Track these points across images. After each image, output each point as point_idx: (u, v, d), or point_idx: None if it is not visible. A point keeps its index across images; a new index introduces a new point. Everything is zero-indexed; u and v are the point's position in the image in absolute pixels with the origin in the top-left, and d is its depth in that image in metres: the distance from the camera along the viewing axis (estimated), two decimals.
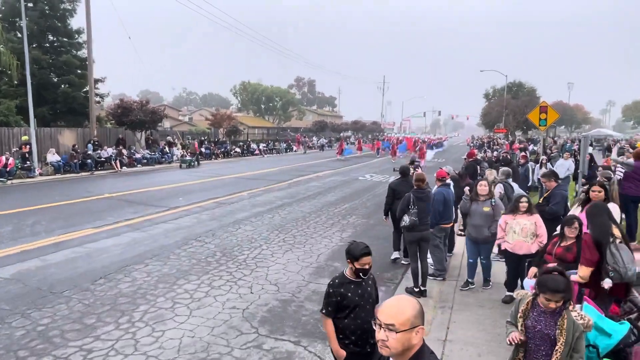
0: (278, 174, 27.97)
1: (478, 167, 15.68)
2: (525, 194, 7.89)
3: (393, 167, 18.39)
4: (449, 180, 9.66)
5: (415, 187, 8.39)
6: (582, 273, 5.78)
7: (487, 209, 8.15)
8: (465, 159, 17.49)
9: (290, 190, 20.73)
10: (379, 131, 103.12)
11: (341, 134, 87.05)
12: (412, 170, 10.90)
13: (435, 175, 9.60)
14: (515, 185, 10.80)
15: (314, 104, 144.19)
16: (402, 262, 10.23)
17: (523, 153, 19.81)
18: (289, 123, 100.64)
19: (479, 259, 8.59)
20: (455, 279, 9.28)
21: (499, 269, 9.35)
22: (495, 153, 26.43)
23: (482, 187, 8.26)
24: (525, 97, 63.16)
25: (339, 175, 28.32)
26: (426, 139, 66.77)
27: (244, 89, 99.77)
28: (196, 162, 34.79)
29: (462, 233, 10.55)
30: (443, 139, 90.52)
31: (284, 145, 59.17)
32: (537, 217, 7.60)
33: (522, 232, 7.52)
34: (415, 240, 8.35)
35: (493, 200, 8.22)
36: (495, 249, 10.22)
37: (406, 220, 8.11)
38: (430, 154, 46.72)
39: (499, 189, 10.16)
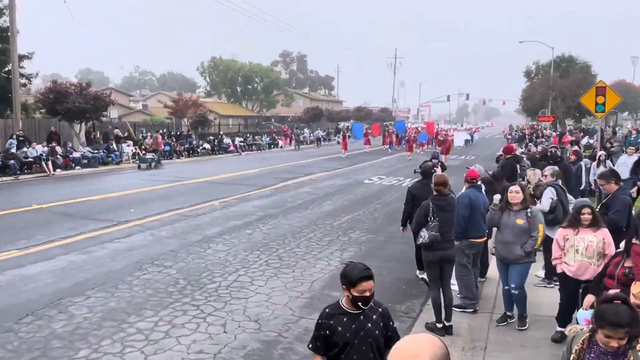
0: (259, 176, 28.03)
1: (517, 165, 15.77)
2: (588, 202, 7.86)
3: (414, 169, 18.39)
4: (480, 182, 9.69)
5: (435, 193, 8.43)
6: (635, 290, 5.78)
7: (520, 221, 8.18)
8: (500, 155, 17.57)
9: (275, 199, 20.77)
10: (389, 120, 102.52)
11: (342, 125, 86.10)
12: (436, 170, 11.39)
13: (464, 176, 9.61)
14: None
15: (305, 85, 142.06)
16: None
17: (575, 147, 19.89)
18: (273, 111, 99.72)
19: (510, 286, 8.59)
20: (489, 311, 9.28)
21: (547, 297, 9.34)
22: (539, 148, 26.50)
23: (515, 194, 8.33)
24: (578, 75, 61.42)
25: (339, 177, 28.53)
26: (450, 132, 64.23)
27: (214, 67, 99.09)
28: (158, 162, 34.84)
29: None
30: (473, 129, 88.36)
31: (267, 139, 59.58)
32: (604, 232, 7.66)
33: (586, 251, 7.61)
34: (435, 260, 8.36)
35: (529, 210, 8.26)
36: (540, 273, 10.16)
37: (424, 235, 8.17)
38: (459, 139, 47.28)
39: (549, 194, 10.11)
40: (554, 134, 44.91)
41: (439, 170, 10.48)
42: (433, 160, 16.09)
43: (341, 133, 53.81)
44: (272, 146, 58.11)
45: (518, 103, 78.94)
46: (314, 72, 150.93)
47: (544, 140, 37.62)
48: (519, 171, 15.73)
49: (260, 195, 21.62)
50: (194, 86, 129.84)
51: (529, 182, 11.76)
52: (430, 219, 8.09)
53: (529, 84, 69.87)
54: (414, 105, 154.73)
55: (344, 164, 37.53)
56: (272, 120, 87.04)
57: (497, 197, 8.94)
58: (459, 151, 53.22)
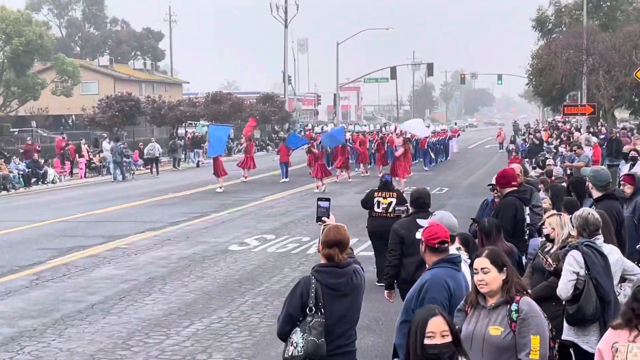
0: (6, 247, 16.12)
1: (525, 207, 8.94)
2: None
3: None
4: (455, 249, 5.84)
5: (324, 262, 5.36)
6: None
7: (496, 331, 4.77)
8: (493, 188, 9.38)
9: (36, 295, 11.55)
10: (281, 115, 62.22)
11: (192, 130, 49.96)
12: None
13: (422, 240, 5.49)
14: (613, 252, 6.44)
15: (102, 51, 78.94)
16: None
17: (631, 170, 12.71)
18: (35, 104, 52.23)
19: None
20: None
21: None
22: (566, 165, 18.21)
23: (481, 276, 4.79)
24: (635, 24, 36.96)
25: (181, 242, 16.41)
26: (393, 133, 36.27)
27: None
28: None
29: None
30: (443, 134, 47.64)
31: (21, 165, 31.52)
32: None
33: None
34: None
35: (515, 308, 4.76)
36: None
37: (296, 342, 5.29)
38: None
39: (571, 265, 6.06)
40: (594, 140, 22.82)
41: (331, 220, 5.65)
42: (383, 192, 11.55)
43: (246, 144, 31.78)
44: (39, 180, 31.39)
45: (525, 80, 48.71)
46: (122, 22, 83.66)
47: (574, 154, 19.80)
48: (528, 219, 9.09)
49: (1, 291, 11.84)
50: None
51: (548, 240, 7.09)
52: (311, 310, 5.11)
53: (544, 44, 42.31)
54: (328, 88, 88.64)
55: (193, 209, 22.07)
56: (34, 123, 48.46)
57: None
58: (413, 178, 29.61)
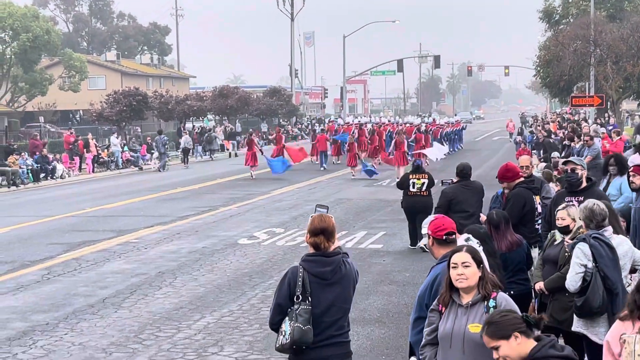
0: (18, 242, 16.03)
1: (534, 198, 8.98)
2: None
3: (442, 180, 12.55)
4: (464, 240, 5.65)
5: (312, 252, 5.48)
6: None
7: (475, 328, 4.70)
8: (502, 181, 9.18)
9: (48, 290, 11.46)
10: (287, 109, 62.83)
11: (206, 125, 51.37)
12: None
13: (427, 231, 5.45)
14: (623, 244, 6.46)
15: (109, 46, 78.96)
16: None
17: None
18: (43, 100, 50.89)
19: None
20: None
21: None
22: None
23: (461, 270, 4.78)
24: None
25: (190, 236, 16.38)
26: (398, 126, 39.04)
27: None
28: None
29: None
30: (447, 127, 46.25)
31: (30, 162, 31.31)
32: None
33: None
34: None
35: (492, 304, 4.73)
36: None
37: (285, 331, 5.25)
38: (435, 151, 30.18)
39: (578, 258, 6.11)
40: (601, 130, 22.52)
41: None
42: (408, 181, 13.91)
43: (248, 135, 33.80)
44: (48, 175, 31.67)
45: (533, 72, 49.97)
46: (128, 17, 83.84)
47: (585, 145, 18.23)
48: (539, 209, 9.04)
49: (13, 286, 11.90)
50: None
51: (566, 232, 6.85)
52: (298, 298, 5.14)
53: (551, 36, 42.27)
54: (335, 81, 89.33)
55: (201, 203, 21.99)
56: (42, 119, 49.40)
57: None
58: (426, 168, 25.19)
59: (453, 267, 4.76)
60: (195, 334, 9.12)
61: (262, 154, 30.25)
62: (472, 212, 10.29)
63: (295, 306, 5.23)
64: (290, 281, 5.25)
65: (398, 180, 15.65)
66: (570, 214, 6.87)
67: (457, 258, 4.78)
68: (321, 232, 5.31)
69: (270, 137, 43.30)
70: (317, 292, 5.22)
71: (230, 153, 46.13)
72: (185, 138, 39.98)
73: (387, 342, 8.72)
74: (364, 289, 10.97)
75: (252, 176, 29.09)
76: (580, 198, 7.87)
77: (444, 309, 4.83)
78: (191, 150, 42.19)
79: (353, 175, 28.92)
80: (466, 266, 4.71)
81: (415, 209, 13.67)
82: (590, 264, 6.08)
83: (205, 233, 16.72)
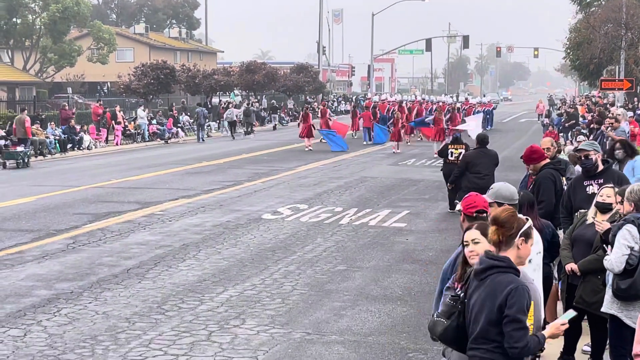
0: (44, 212, 15.92)
1: (561, 178, 8.89)
2: None
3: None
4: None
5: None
6: None
7: None
8: (528, 164, 9.06)
9: (73, 259, 11.35)
10: (314, 85, 61.55)
11: (230, 100, 50.58)
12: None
13: (461, 208, 5.40)
14: None
15: (138, 19, 79.86)
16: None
17: None
18: (71, 71, 52.80)
19: None
20: None
21: None
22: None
23: (474, 251, 4.76)
24: None
25: (214, 210, 16.29)
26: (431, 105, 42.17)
27: None
28: None
29: None
30: (479, 106, 46.72)
31: (58, 132, 31.42)
32: None
33: None
34: None
35: None
36: None
37: None
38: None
39: (624, 239, 5.95)
40: (629, 114, 21.80)
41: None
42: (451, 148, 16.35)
43: (303, 108, 35.55)
44: (75, 146, 31.73)
45: (562, 54, 49.49)
46: None
47: (611, 127, 15.95)
48: (563, 186, 8.79)
49: (38, 254, 11.98)
50: None
51: (607, 210, 6.71)
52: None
53: (582, 18, 41.35)
54: (362, 59, 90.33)
55: (227, 177, 22.04)
56: (70, 90, 48.82)
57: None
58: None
59: (465, 245, 4.78)
60: (218, 306, 9.11)
61: (324, 127, 33.26)
62: (485, 173, 13.13)
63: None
64: None
65: (438, 150, 18.45)
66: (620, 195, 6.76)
67: (467, 236, 4.80)
68: None
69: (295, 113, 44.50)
70: None
71: (274, 125, 48.27)
72: (230, 111, 40.74)
73: (409, 320, 8.64)
74: (386, 267, 10.99)
75: (310, 148, 31.15)
76: (599, 180, 7.74)
77: (459, 286, 4.80)
78: (217, 125, 42.28)
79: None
80: (476, 242, 4.71)
81: (450, 174, 15.46)
82: (637, 247, 5.99)
83: (230, 207, 16.71)
